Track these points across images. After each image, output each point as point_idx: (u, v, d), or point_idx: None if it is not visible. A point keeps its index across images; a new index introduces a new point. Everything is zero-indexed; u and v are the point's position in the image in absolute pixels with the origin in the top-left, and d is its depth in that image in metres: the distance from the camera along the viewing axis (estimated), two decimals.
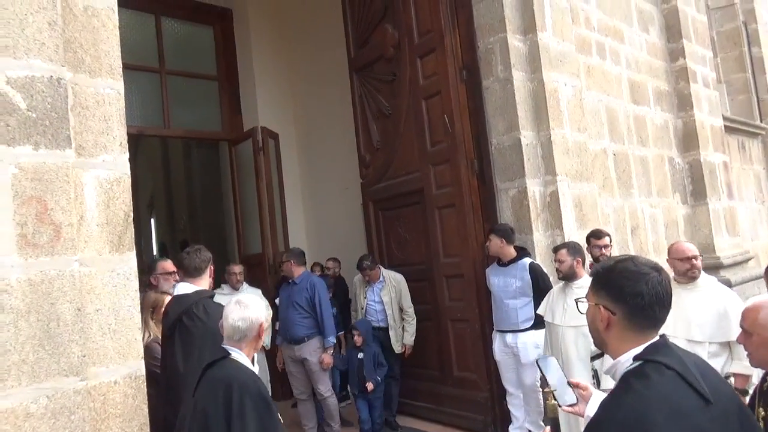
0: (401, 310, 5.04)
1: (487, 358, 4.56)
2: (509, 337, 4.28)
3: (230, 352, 2.13)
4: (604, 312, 1.43)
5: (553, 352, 3.67)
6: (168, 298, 3.33)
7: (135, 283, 2.49)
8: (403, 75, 5.28)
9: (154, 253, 14.85)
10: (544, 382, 1.80)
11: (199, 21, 7.46)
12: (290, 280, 4.96)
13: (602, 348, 1.53)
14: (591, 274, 1.55)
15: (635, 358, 1.37)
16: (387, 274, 5.13)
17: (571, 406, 1.75)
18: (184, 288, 2.99)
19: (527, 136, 4.61)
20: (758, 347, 1.80)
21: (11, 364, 2.05)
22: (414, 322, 5.05)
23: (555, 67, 4.77)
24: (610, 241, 4.25)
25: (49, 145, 2.23)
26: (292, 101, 7.76)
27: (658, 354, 1.35)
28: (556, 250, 3.86)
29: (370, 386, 4.73)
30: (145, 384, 2.48)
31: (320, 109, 7.34)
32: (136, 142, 12.86)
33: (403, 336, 5.03)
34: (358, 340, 4.87)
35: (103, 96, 2.50)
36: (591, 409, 1.72)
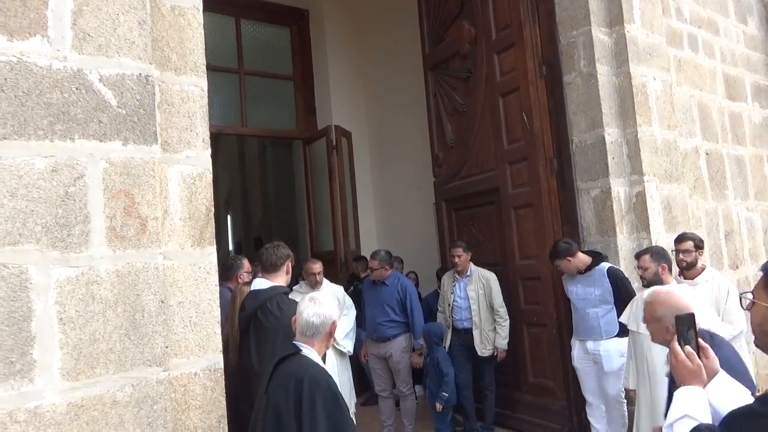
0: (492, 310, 4.71)
1: (565, 365, 4.37)
2: (590, 343, 4.06)
3: (301, 348, 2.12)
4: None
5: (638, 363, 3.46)
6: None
7: (215, 278, 2.53)
8: (479, 72, 5.15)
9: (230, 249, 15.38)
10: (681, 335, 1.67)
11: (277, 22, 7.63)
12: (376, 281, 4.90)
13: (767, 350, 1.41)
14: (762, 269, 1.42)
15: None
16: (476, 269, 4.87)
17: None
18: (261, 283, 3.02)
19: (612, 134, 4.38)
20: None
21: (99, 353, 2.12)
22: (507, 324, 4.67)
23: (643, 61, 4.51)
24: (695, 247, 3.87)
25: (137, 141, 2.29)
26: (365, 100, 7.79)
27: None
28: (638, 256, 3.63)
29: (438, 407, 4.54)
30: (223, 377, 2.51)
31: (393, 107, 7.33)
32: (215, 141, 13.26)
33: (495, 339, 4.69)
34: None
35: (188, 93, 2.56)
36: (710, 389, 1.59)
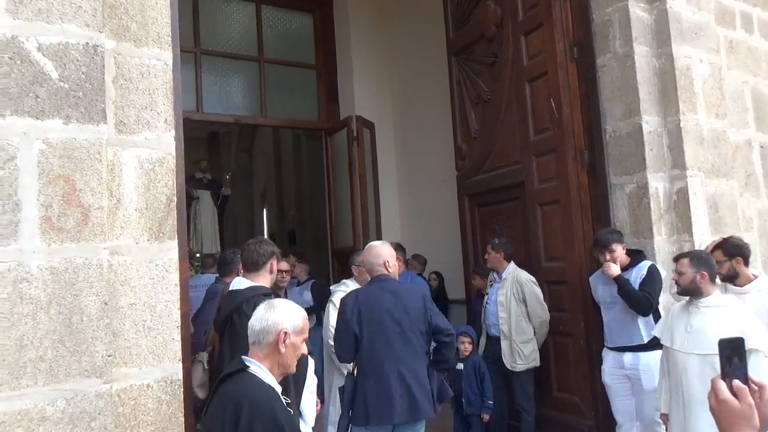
0: (529, 319, 4.15)
1: (594, 380, 3.93)
2: (628, 356, 3.57)
3: (248, 364, 1.78)
4: None
5: (672, 385, 2.99)
6: None
7: (175, 276, 2.23)
8: (505, 55, 4.73)
9: None
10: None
11: (299, 8, 7.35)
12: None
13: None
14: None
15: None
16: (513, 270, 4.24)
17: None
18: (240, 283, 2.73)
19: (650, 123, 3.90)
20: None
21: (27, 361, 1.85)
22: (542, 336, 4.18)
23: (688, 41, 4.01)
24: (725, 255, 3.31)
25: (81, 120, 2.01)
26: (390, 89, 7.43)
27: None
28: (676, 259, 3.14)
29: (486, 417, 4.08)
30: (182, 389, 2.22)
31: (419, 96, 6.95)
32: (252, 133, 13.24)
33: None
34: (467, 348, 4.18)
35: (149, 67, 2.27)
36: None
